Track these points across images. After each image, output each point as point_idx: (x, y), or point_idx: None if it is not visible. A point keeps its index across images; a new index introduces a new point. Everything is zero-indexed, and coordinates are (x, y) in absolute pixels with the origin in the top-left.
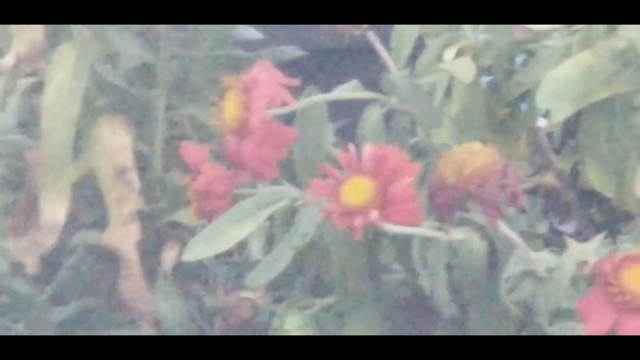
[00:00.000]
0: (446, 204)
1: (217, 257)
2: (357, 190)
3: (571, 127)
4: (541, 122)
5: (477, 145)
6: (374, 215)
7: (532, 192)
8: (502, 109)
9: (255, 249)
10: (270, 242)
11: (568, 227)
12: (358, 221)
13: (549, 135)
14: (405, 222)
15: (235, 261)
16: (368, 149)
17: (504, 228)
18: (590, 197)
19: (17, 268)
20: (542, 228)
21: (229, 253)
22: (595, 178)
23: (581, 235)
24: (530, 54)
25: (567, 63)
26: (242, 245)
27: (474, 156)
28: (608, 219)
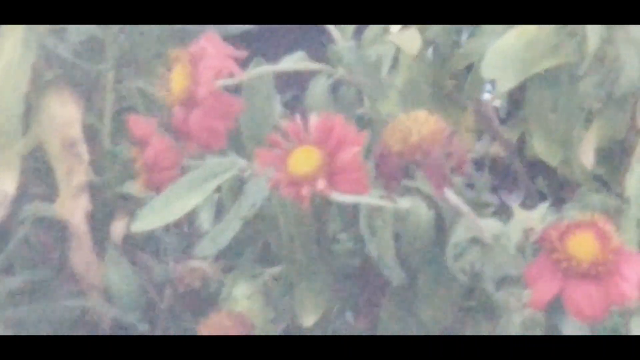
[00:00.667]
0: (392, 172)
1: (167, 227)
2: (304, 159)
3: (517, 98)
4: (487, 93)
5: (422, 114)
6: (320, 184)
7: (479, 162)
8: (448, 81)
9: (205, 219)
10: (219, 212)
11: (515, 196)
12: (305, 190)
13: (495, 106)
14: (352, 191)
15: (185, 232)
16: (314, 119)
17: (450, 196)
18: (537, 166)
19: None
20: (489, 197)
21: (178, 224)
22: (540, 147)
23: (528, 204)
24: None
25: (512, 34)
26: (192, 216)
27: (420, 124)
28: (554, 187)
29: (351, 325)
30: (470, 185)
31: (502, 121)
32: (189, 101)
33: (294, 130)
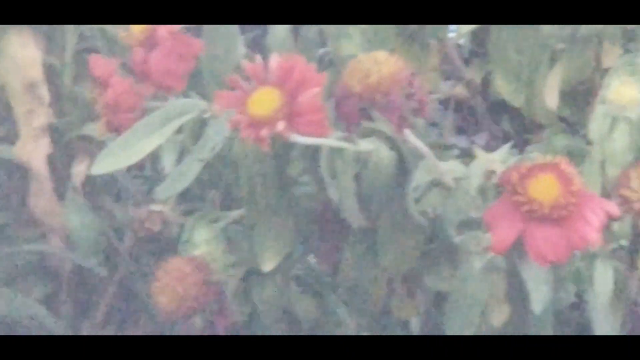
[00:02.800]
0: (352, 113)
1: (129, 170)
2: (264, 101)
3: (481, 38)
4: (451, 33)
5: (382, 54)
6: (280, 125)
7: (443, 103)
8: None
9: (167, 162)
10: (182, 155)
11: (479, 138)
12: (265, 132)
13: (459, 46)
14: (313, 132)
15: (147, 175)
16: (275, 60)
17: (411, 137)
18: (501, 107)
19: None
20: (452, 139)
21: (140, 167)
22: (504, 88)
23: (492, 146)
24: None
25: None
26: (154, 159)
27: (380, 65)
28: (519, 129)
29: (313, 268)
30: (433, 126)
31: (466, 62)
32: (149, 42)
33: (254, 71)
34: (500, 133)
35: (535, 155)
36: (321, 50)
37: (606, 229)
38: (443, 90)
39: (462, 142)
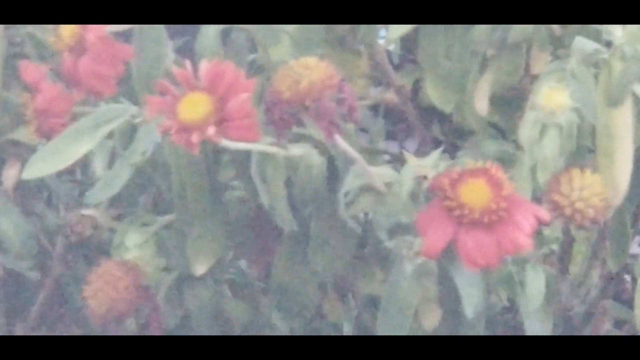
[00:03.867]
0: (282, 118)
1: (60, 175)
2: (194, 106)
3: (411, 44)
4: (381, 39)
5: (312, 60)
6: (210, 131)
7: (373, 108)
8: (341, 26)
9: (98, 167)
10: (113, 160)
11: (409, 144)
12: (195, 137)
13: (389, 51)
14: (243, 138)
15: (78, 179)
16: (204, 65)
17: (341, 143)
18: (431, 113)
19: None
20: (383, 144)
21: (71, 171)
22: (434, 94)
23: (423, 151)
24: None
25: None
26: (85, 163)
27: (310, 70)
28: (449, 134)
29: (245, 273)
30: (364, 131)
31: (397, 67)
32: (78, 47)
33: (184, 76)
34: (430, 139)
35: (465, 160)
36: (251, 56)
37: (537, 234)
38: (373, 96)
39: (392, 147)
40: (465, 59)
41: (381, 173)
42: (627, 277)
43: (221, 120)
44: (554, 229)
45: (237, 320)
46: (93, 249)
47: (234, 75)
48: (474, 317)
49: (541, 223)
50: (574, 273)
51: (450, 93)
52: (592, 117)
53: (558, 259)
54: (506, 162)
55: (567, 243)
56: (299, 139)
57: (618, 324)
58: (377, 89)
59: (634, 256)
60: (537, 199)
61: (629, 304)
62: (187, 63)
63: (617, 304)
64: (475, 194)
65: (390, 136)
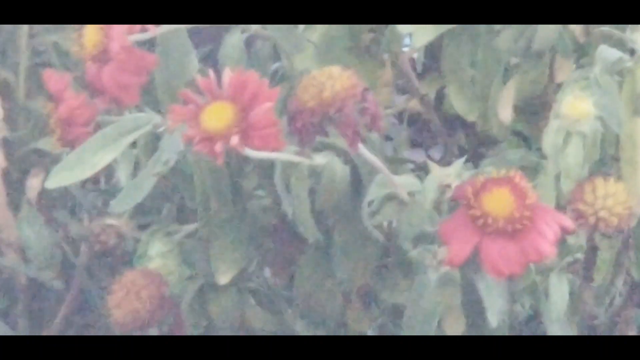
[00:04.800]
0: (305, 127)
1: (84, 184)
2: (217, 115)
3: (435, 52)
4: (406, 48)
5: (336, 69)
6: (234, 140)
7: (397, 117)
8: (366, 34)
9: (122, 176)
10: (137, 169)
11: (434, 152)
12: (218, 146)
13: (413, 60)
14: (267, 147)
15: (102, 188)
16: (228, 74)
17: (365, 152)
18: (455, 122)
19: None
20: (407, 153)
21: (95, 180)
22: (458, 103)
23: (447, 160)
24: None
25: None
26: (109, 173)
27: (333, 80)
28: (474, 143)
29: (268, 282)
30: (388, 140)
31: (421, 76)
32: (102, 56)
33: (207, 85)
34: (455, 147)
35: (489, 169)
36: (275, 65)
37: (561, 242)
38: (397, 104)
39: (417, 156)
40: (490, 68)
41: (405, 182)
42: None
43: (245, 130)
44: (578, 237)
45: (261, 329)
46: (117, 258)
47: (258, 84)
48: (498, 325)
49: (565, 232)
50: (598, 282)
51: (474, 101)
52: (616, 125)
53: (582, 268)
54: (530, 170)
55: (591, 252)
56: (322, 148)
57: None
58: (402, 97)
59: None
60: (561, 208)
61: None
62: (211, 72)
63: None
64: (499, 202)
65: (414, 144)
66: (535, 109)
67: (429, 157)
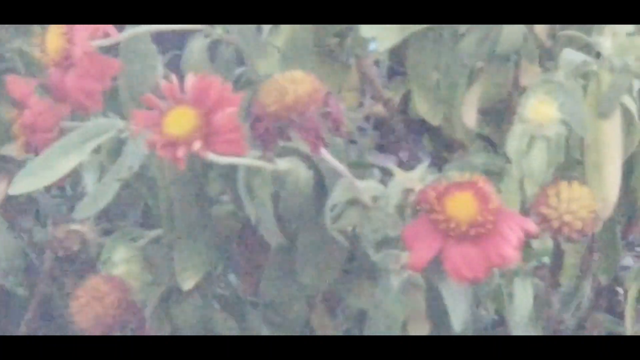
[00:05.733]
0: (268, 132)
1: (48, 190)
2: (180, 120)
3: (400, 57)
4: (371, 52)
5: (299, 74)
6: (197, 145)
7: (363, 121)
8: (331, 39)
9: (88, 182)
10: (103, 174)
11: (399, 157)
12: (181, 151)
13: (378, 64)
14: (230, 152)
15: (67, 194)
16: (191, 79)
17: (328, 157)
18: (420, 126)
19: None
20: (372, 157)
21: (61, 187)
22: (423, 107)
23: (412, 164)
24: None
25: None
26: (74, 179)
27: (296, 84)
28: (438, 147)
29: (233, 287)
30: (353, 145)
31: (386, 80)
32: (65, 62)
33: (170, 90)
34: (420, 151)
35: (453, 173)
36: (238, 70)
37: (526, 246)
38: (362, 109)
39: (381, 160)
40: (454, 71)
41: (368, 187)
42: (620, 290)
43: (207, 135)
44: (544, 241)
45: (225, 334)
46: (81, 264)
47: (221, 89)
48: (462, 330)
49: (529, 236)
50: (564, 286)
51: (439, 105)
52: (581, 129)
53: (548, 272)
54: (494, 174)
55: (557, 256)
56: (286, 153)
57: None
58: (366, 101)
59: (626, 268)
60: (525, 212)
61: (621, 316)
62: (174, 77)
63: (608, 316)
64: (462, 207)
65: (379, 149)
66: (499, 113)
67: (393, 161)
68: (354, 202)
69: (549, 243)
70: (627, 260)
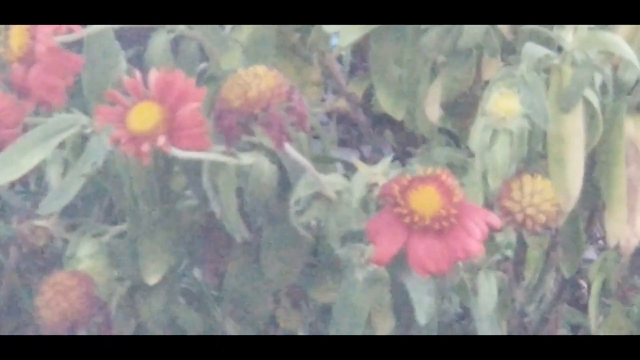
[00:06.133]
0: (231, 127)
1: (12, 186)
2: (144, 116)
3: (362, 51)
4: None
5: (261, 69)
6: (161, 140)
7: (326, 116)
8: (293, 34)
9: (52, 177)
10: (66, 170)
11: (362, 151)
12: (145, 147)
13: (341, 59)
14: (193, 147)
15: (32, 190)
16: (154, 75)
17: (291, 151)
18: (383, 120)
19: None
20: (335, 152)
21: (25, 182)
22: (386, 101)
23: (375, 159)
24: None
25: None
26: (38, 174)
27: (259, 79)
28: (401, 142)
29: (198, 282)
30: (316, 139)
31: (349, 75)
32: (28, 58)
33: (133, 86)
34: (383, 146)
35: (416, 167)
36: (201, 65)
37: (489, 240)
38: (325, 104)
39: (345, 155)
40: (416, 66)
41: (332, 181)
42: (583, 282)
43: (171, 130)
44: (507, 235)
45: (191, 329)
46: (46, 259)
47: (184, 85)
48: (427, 323)
49: (492, 229)
50: (528, 279)
51: (402, 100)
52: (543, 122)
53: (512, 266)
54: (457, 168)
55: (521, 249)
56: (249, 147)
57: (573, 328)
58: (329, 96)
59: (589, 261)
60: (488, 205)
61: (585, 308)
62: (137, 73)
63: (571, 309)
64: (425, 200)
65: (343, 143)
66: (462, 107)
67: (356, 156)
68: (318, 197)
69: (512, 237)
70: (590, 253)
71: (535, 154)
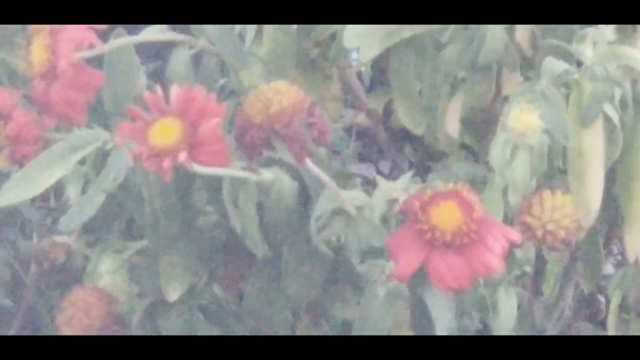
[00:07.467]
0: (253, 143)
1: (33, 202)
2: (165, 131)
3: (382, 66)
4: (354, 62)
5: (283, 84)
6: (182, 156)
7: (346, 131)
8: (313, 49)
9: (72, 193)
10: (87, 186)
11: (382, 166)
12: (166, 163)
13: (360, 74)
14: (214, 163)
15: (51, 206)
16: (175, 90)
17: (312, 167)
18: (403, 135)
19: None
20: (355, 167)
21: (44, 198)
22: (406, 116)
23: (395, 174)
24: None
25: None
26: (59, 190)
27: (280, 95)
28: (420, 157)
29: (218, 298)
30: (336, 155)
31: (369, 90)
32: (49, 73)
33: (154, 101)
34: (403, 161)
35: (436, 183)
36: (222, 81)
37: (509, 255)
38: (345, 119)
39: (365, 170)
40: (436, 81)
41: (352, 197)
42: (601, 298)
43: (192, 146)
44: (527, 250)
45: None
46: (67, 276)
47: (205, 100)
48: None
49: (512, 245)
50: (547, 295)
51: (422, 115)
52: (563, 138)
53: (531, 281)
54: (477, 184)
55: (540, 265)
56: (270, 163)
57: None
58: (349, 111)
59: (607, 277)
60: (508, 221)
61: (604, 324)
62: (158, 88)
63: (590, 325)
64: (446, 216)
65: (363, 159)
66: (482, 122)
67: (377, 171)
68: (338, 212)
69: (532, 252)
70: (609, 268)
71: (555, 169)
